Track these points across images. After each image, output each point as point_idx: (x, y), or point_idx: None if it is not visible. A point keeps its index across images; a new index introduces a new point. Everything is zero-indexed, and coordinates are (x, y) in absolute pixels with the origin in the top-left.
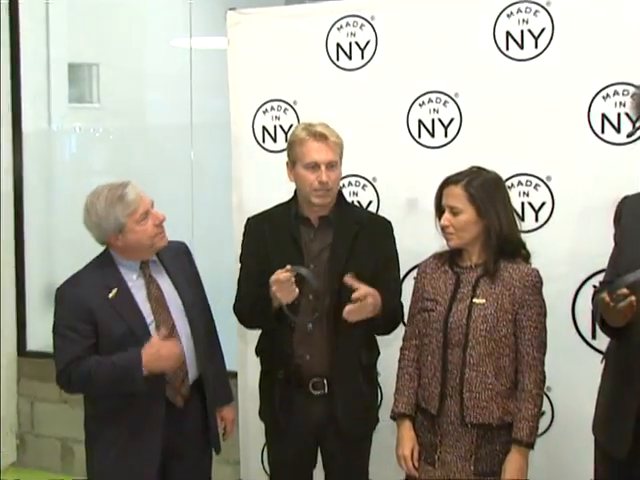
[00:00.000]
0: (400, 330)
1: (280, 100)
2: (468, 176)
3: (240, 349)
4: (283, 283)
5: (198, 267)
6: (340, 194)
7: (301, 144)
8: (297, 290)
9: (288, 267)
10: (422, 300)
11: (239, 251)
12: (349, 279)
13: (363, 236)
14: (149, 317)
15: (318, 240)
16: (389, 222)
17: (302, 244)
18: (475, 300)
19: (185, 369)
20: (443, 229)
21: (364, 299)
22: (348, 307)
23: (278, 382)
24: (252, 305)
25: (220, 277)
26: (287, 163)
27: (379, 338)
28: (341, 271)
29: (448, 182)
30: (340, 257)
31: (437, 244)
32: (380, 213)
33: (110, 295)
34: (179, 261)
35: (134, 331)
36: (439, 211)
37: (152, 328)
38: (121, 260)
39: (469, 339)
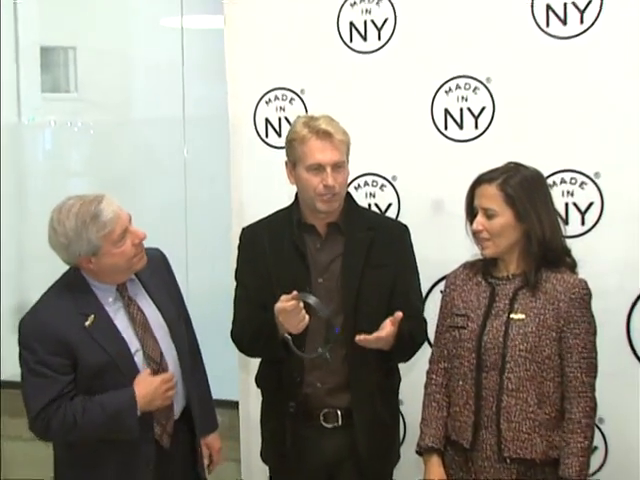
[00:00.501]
0: (424, 351)
1: (285, 89)
2: (504, 173)
3: (242, 377)
4: (290, 312)
5: (193, 282)
6: (349, 197)
7: (302, 143)
8: (307, 318)
9: (294, 293)
10: (451, 316)
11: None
12: (363, 340)
13: (379, 244)
14: (133, 345)
15: (326, 250)
16: (405, 227)
17: (308, 256)
18: (513, 316)
19: (172, 403)
20: (475, 235)
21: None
22: (363, 336)
23: (290, 416)
24: (254, 333)
25: (218, 293)
26: (286, 163)
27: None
28: (357, 285)
29: (481, 181)
30: (354, 269)
31: (468, 252)
32: (401, 217)
33: (87, 323)
34: (157, 273)
35: (117, 362)
36: (470, 214)
37: (137, 357)
38: (93, 282)
39: (507, 361)
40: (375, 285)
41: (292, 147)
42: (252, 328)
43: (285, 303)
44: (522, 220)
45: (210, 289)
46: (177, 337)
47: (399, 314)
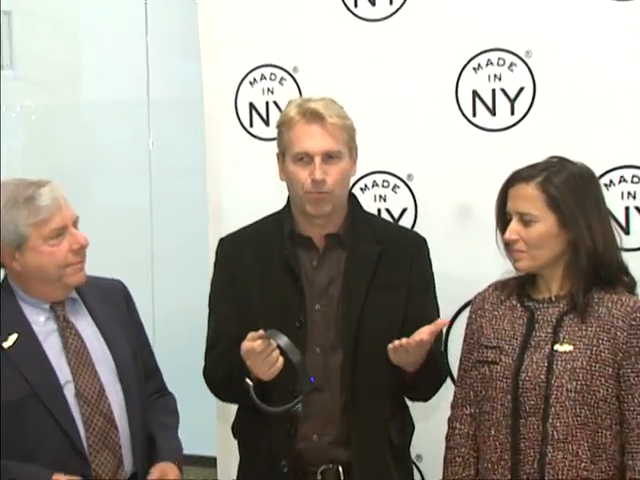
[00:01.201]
0: (446, 392)
1: (274, 66)
2: (546, 170)
3: (221, 428)
4: (259, 354)
5: (160, 307)
6: (353, 201)
7: (289, 127)
8: (280, 361)
9: (261, 332)
10: (479, 349)
11: None
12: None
13: (388, 261)
14: (64, 376)
15: (325, 269)
16: (423, 239)
17: (302, 275)
18: (558, 347)
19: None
20: (508, 246)
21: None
22: (399, 342)
23: (280, 477)
24: (227, 374)
25: (193, 320)
26: (278, 155)
27: (414, 406)
28: (358, 312)
29: (517, 179)
30: (357, 292)
31: (499, 269)
32: (418, 226)
33: (6, 344)
34: (111, 304)
35: (40, 395)
36: (502, 221)
37: (67, 390)
38: (21, 293)
39: (551, 404)
40: (381, 312)
41: (280, 134)
42: (225, 368)
43: (252, 342)
44: (568, 227)
45: (182, 316)
46: (127, 379)
47: (443, 321)
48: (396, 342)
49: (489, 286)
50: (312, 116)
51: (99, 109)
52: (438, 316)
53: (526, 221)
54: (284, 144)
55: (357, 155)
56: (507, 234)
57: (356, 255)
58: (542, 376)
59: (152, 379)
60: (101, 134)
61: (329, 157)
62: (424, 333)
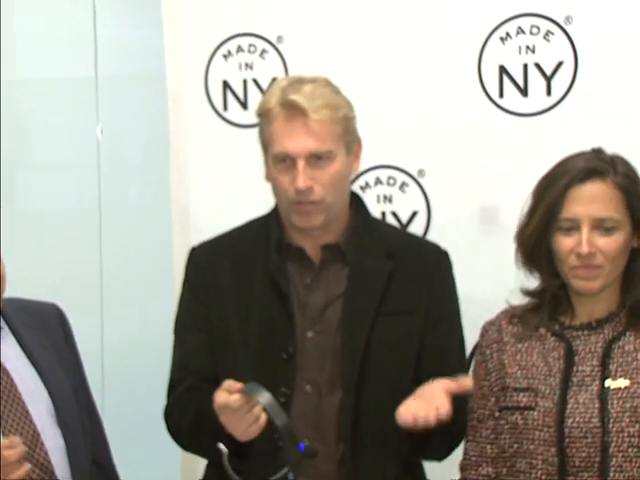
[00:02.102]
0: None
1: (254, 35)
2: (610, 165)
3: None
4: (235, 411)
5: (111, 329)
6: (357, 203)
7: (268, 119)
8: (263, 419)
9: (238, 386)
10: (505, 392)
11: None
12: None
13: (402, 280)
14: None
15: (321, 288)
16: (444, 253)
17: (291, 295)
18: (611, 383)
19: None
20: (573, 260)
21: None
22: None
23: None
24: (195, 425)
25: (149, 348)
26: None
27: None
28: (363, 342)
29: (586, 173)
30: (362, 318)
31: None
32: (431, 232)
33: None
34: (44, 331)
35: None
36: (548, 232)
37: None
38: None
39: (610, 455)
40: (392, 343)
41: (260, 126)
42: (192, 417)
43: (227, 396)
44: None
45: (138, 346)
46: (68, 421)
47: (467, 381)
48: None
49: (504, 312)
50: (292, 110)
51: (34, 89)
52: (463, 347)
53: (607, 228)
54: (264, 139)
55: (361, 146)
56: (584, 247)
57: (361, 271)
58: (594, 419)
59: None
60: (36, 119)
61: (316, 159)
62: (445, 388)
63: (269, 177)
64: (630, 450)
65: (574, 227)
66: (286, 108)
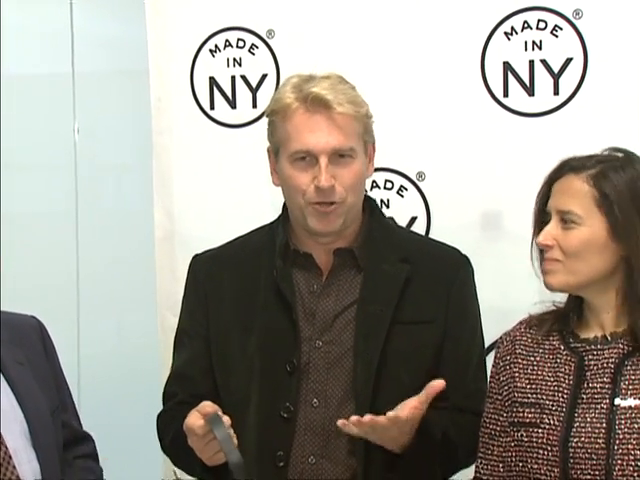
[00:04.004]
0: None
1: (243, 29)
2: (604, 163)
3: None
4: (201, 438)
5: (88, 341)
6: (371, 206)
7: (285, 116)
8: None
9: (208, 409)
10: (512, 407)
11: (168, 315)
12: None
13: (420, 286)
14: None
15: (331, 295)
16: (465, 258)
17: (296, 304)
18: (620, 401)
19: None
20: (542, 253)
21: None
22: (354, 419)
23: None
24: (174, 441)
25: (130, 361)
26: (268, 151)
27: None
28: (378, 354)
29: (565, 169)
30: (377, 326)
31: (538, 297)
32: (431, 237)
33: None
34: (23, 347)
35: None
36: (540, 223)
37: None
38: None
39: (614, 477)
40: (409, 354)
41: (272, 124)
42: (173, 433)
43: (195, 421)
44: (620, 238)
45: (117, 359)
46: (43, 444)
47: (438, 384)
48: (353, 418)
49: (519, 323)
50: (315, 103)
51: (5, 86)
52: (483, 361)
53: (566, 221)
54: (278, 139)
55: (375, 149)
56: (540, 236)
57: (376, 277)
58: (600, 440)
59: (82, 444)
60: (8, 117)
61: (339, 156)
62: (409, 405)
63: (280, 179)
64: (637, 475)
65: (549, 220)
66: (307, 102)
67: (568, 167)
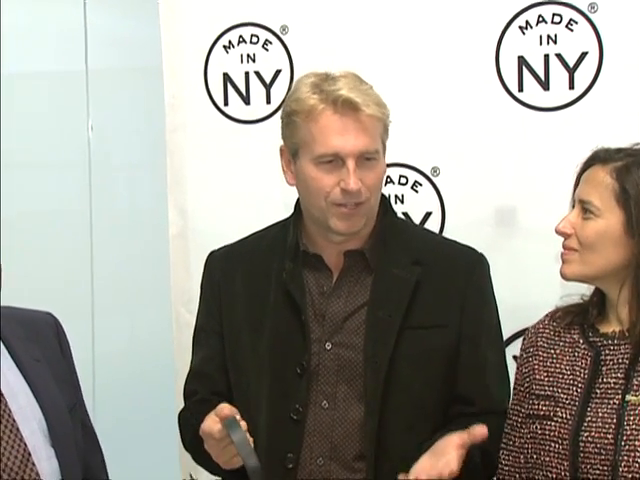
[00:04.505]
0: None
1: (256, 25)
2: (631, 156)
3: None
4: (217, 442)
5: (103, 338)
6: (383, 204)
7: (309, 117)
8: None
9: (226, 412)
10: (529, 399)
11: (182, 311)
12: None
13: (432, 290)
14: None
15: (342, 297)
16: (480, 257)
17: (306, 306)
18: (631, 397)
19: None
20: (563, 242)
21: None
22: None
23: None
24: (193, 441)
25: (144, 359)
26: (281, 150)
27: None
28: (388, 356)
29: (595, 159)
30: (387, 330)
31: (552, 293)
32: (445, 234)
33: None
34: (39, 344)
35: None
36: None
37: None
38: None
39: (620, 474)
40: (419, 358)
41: (292, 125)
42: (192, 432)
43: (212, 425)
44: (634, 234)
45: (131, 356)
46: (62, 442)
47: (480, 430)
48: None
49: (546, 315)
50: (344, 106)
51: (20, 83)
52: (504, 365)
53: (586, 211)
54: (300, 139)
55: (386, 148)
56: (559, 224)
57: (386, 280)
58: (609, 436)
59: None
60: (22, 115)
61: (366, 159)
62: (451, 448)
63: (293, 178)
64: None
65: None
66: (337, 104)
67: (597, 158)
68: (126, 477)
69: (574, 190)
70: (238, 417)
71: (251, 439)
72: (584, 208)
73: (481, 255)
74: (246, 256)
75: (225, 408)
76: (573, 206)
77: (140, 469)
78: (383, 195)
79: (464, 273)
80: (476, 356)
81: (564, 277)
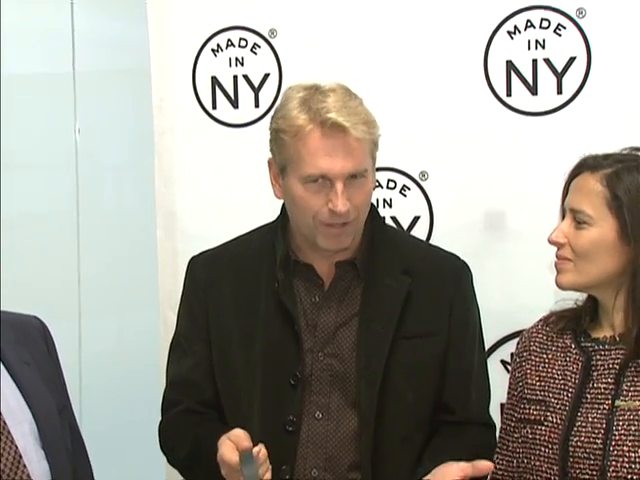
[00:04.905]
0: None
1: (245, 28)
2: (621, 162)
3: None
4: (235, 471)
5: (89, 340)
6: (372, 213)
7: (296, 137)
8: (269, 477)
9: (245, 444)
10: (520, 402)
11: (170, 314)
12: None
13: (421, 299)
14: None
15: (332, 307)
16: (464, 265)
17: (299, 316)
18: (620, 403)
19: None
20: (557, 253)
21: None
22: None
23: None
24: (193, 455)
25: (130, 360)
26: (269, 163)
27: None
28: (382, 366)
29: (584, 166)
30: (380, 340)
31: (542, 297)
32: (434, 239)
33: None
34: (28, 347)
35: None
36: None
37: None
38: None
39: (608, 479)
40: (412, 367)
41: (280, 141)
42: (191, 446)
43: (232, 455)
44: (629, 241)
45: (118, 358)
46: (52, 444)
47: (486, 466)
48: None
49: (540, 320)
50: (332, 128)
51: (7, 85)
52: (486, 371)
53: (578, 222)
54: (288, 157)
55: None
56: (552, 234)
57: (377, 290)
58: (599, 441)
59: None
60: (9, 117)
61: (353, 177)
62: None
63: (287, 196)
64: (630, 477)
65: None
66: (325, 126)
67: (586, 165)
68: (113, 477)
69: (563, 198)
70: (261, 447)
71: (268, 470)
72: (576, 217)
73: (464, 262)
74: (233, 261)
75: (243, 439)
76: (563, 215)
77: (126, 471)
78: (372, 204)
79: (451, 281)
80: (460, 364)
81: (560, 287)
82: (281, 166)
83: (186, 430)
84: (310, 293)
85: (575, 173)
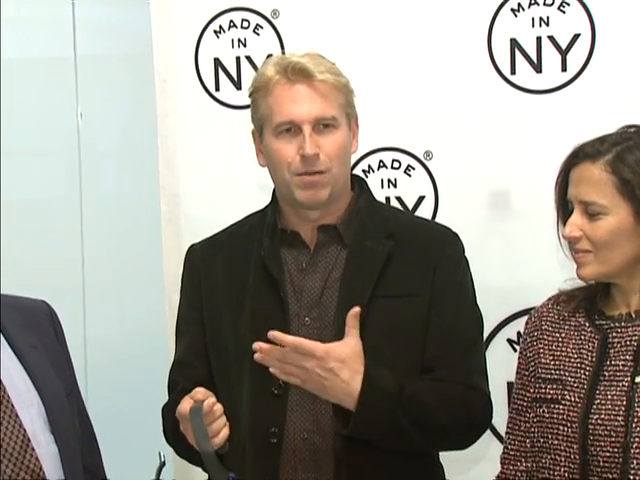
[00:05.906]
0: (486, 441)
1: (247, 9)
2: (618, 145)
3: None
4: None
5: (94, 323)
6: (360, 185)
7: (267, 90)
8: (226, 431)
9: (199, 396)
10: (536, 382)
11: (175, 297)
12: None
13: (403, 262)
14: None
15: (318, 272)
16: (454, 235)
17: (285, 282)
18: None
19: None
20: (570, 245)
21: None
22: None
23: None
24: (172, 427)
25: (135, 342)
26: (253, 133)
27: (448, 458)
28: (363, 332)
29: (580, 156)
30: (356, 301)
31: (546, 275)
32: (439, 217)
33: None
34: (35, 331)
35: None
36: (564, 212)
37: None
38: None
39: (631, 457)
40: (390, 327)
41: (254, 103)
42: (172, 420)
43: (186, 406)
44: None
45: (123, 340)
46: (61, 426)
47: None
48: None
49: (549, 298)
50: (296, 73)
51: (8, 70)
52: (476, 332)
53: (592, 213)
54: (261, 115)
55: (358, 127)
56: (566, 229)
57: (360, 253)
58: (620, 418)
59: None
60: (10, 102)
61: (322, 126)
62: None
63: (263, 158)
64: None
65: (572, 209)
66: (288, 73)
67: (583, 154)
68: (118, 461)
69: (560, 189)
70: (213, 400)
71: (225, 425)
72: (588, 209)
73: (456, 234)
74: (225, 244)
75: (199, 392)
76: (561, 208)
77: (132, 453)
78: (359, 177)
79: (437, 246)
80: (441, 327)
81: (584, 279)
82: (259, 129)
83: (173, 408)
84: (297, 260)
85: (572, 163)
